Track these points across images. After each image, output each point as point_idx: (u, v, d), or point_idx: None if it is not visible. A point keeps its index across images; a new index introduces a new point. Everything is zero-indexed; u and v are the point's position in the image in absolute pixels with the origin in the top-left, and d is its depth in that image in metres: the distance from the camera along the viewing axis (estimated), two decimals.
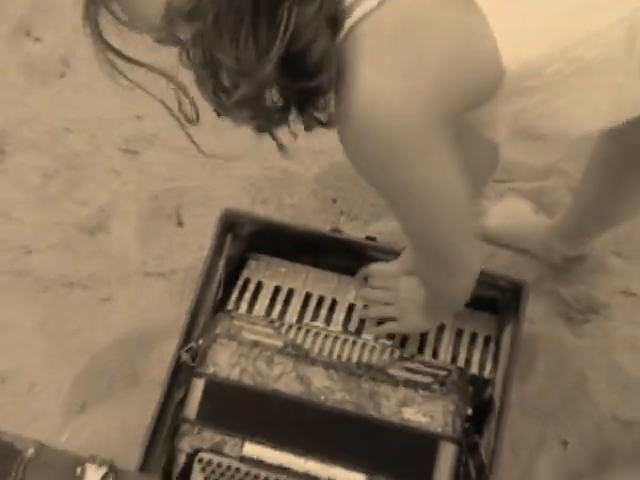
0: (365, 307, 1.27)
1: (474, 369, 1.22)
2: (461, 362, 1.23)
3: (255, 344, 1.14)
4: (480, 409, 1.14)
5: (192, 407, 1.11)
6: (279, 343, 1.15)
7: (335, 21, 0.69)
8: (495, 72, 0.73)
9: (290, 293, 1.29)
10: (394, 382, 1.11)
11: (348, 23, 0.69)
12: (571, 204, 1.41)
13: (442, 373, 1.13)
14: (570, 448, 1.37)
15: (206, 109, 1.78)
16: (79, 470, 0.91)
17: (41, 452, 0.93)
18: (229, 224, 1.28)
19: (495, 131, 0.86)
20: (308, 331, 1.19)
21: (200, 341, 1.16)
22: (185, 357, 1.16)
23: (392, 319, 1.24)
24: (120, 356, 1.46)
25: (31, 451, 0.92)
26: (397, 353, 1.18)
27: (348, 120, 0.71)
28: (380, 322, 1.25)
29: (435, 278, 1.00)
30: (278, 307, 1.28)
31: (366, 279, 1.29)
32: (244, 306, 1.28)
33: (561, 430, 1.38)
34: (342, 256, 1.29)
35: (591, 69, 0.76)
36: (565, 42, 0.73)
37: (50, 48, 1.85)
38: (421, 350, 1.24)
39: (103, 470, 0.92)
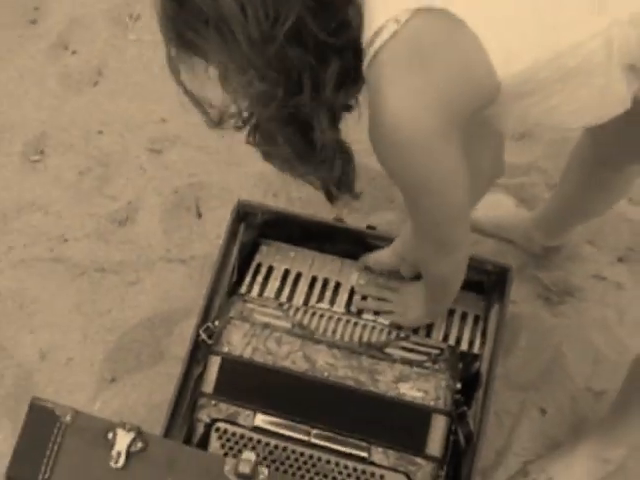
0: (364, 299, 1.23)
1: (464, 345, 1.18)
2: (452, 339, 1.19)
3: (266, 325, 1.12)
4: (468, 382, 1.12)
5: (209, 382, 1.09)
6: (287, 324, 1.13)
7: (359, 54, 0.76)
8: (492, 83, 0.75)
9: (298, 276, 1.26)
10: (391, 360, 1.09)
11: (370, 53, 0.74)
12: (551, 199, 1.39)
13: (435, 352, 1.11)
14: (548, 416, 1.35)
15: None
16: (110, 435, 0.90)
17: (77, 418, 0.91)
18: (243, 213, 1.25)
19: (503, 126, 0.89)
20: (314, 313, 1.17)
21: (216, 322, 1.14)
22: (203, 336, 1.13)
23: (390, 312, 1.20)
24: (146, 334, 1.45)
25: (68, 417, 0.91)
26: (394, 333, 1.15)
27: (373, 128, 0.77)
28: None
29: (431, 257, 0.99)
30: (287, 289, 1.25)
31: (366, 268, 1.25)
32: (256, 288, 1.24)
33: (540, 400, 1.36)
34: (345, 243, 1.26)
35: (575, 74, 0.76)
36: (549, 54, 0.75)
37: (85, 60, 1.82)
38: (416, 328, 1.20)
39: (132, 435, 0.90)
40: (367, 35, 0.74)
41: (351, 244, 1.25)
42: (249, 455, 0.89)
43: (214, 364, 1.09)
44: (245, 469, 0.88)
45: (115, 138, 1.70)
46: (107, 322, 1.47)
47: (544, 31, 0.74)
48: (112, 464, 0.89)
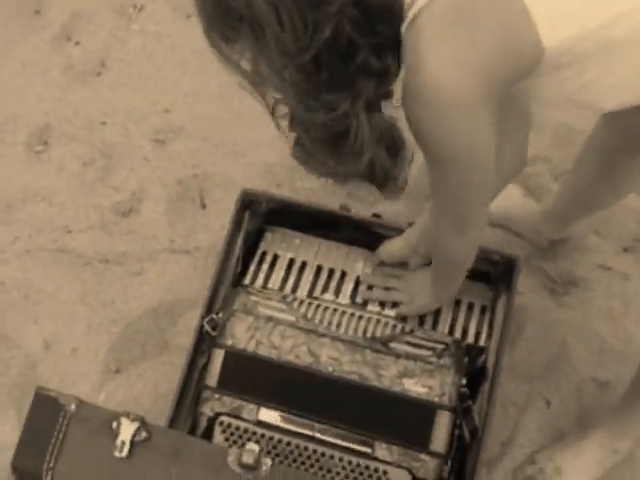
0: (369, 288, 1.22)
1: (470, 336, 1.16)
2: (459, 330, 1.17)
3: (269, 319, 1.11)
4: (474, 375, 1.10)
5: (213, 375, 1.08)
6: (291, 318, 1.11)
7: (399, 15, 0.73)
8: (535, 50, 0.74)
9: (303, 265, 1.24)
10: (396, 355, 1.08)
11: (410, 16, 0.72)
12: (560, 192, 1.37)
13: (440, 346, 1.09)
14: (553, 407, 1.33)
15: (229, 107, 1.73)
16: (115, 424, 0.89)
17: (81, 408, 0.91)
18: (247, 202, 1.24)
19: (536, 99, 0.89)
20: (318, 306, 1.15)
21: (220, 314, 1.12)
22: (207, 327, 1.12)
23: (396, 302, 1.18)
24: (151, 325, 1.43)
25: (73, 407, 0.90)
26: (399, 327, 1.14)
27: (412, 92, 0.75)
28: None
29: (448, 235, 0.97)
30: (292, 279, 1.23)
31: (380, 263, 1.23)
32: (261, 277, 1.22)
33: (545, 390, 1.35)
34: (350, 231, 1.24)
35: (616, 47, 0.75)
36: (594, 23, 0.73)
37: (88, 51, 1.80)
38: (422, 318, 1.19)
39: (136, 425, 0.89)
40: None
41: (357, 232, 1.23)
42: (253, 446, 0.88)
43: (218, 357, 1.08)
44: (249, 460, 0.87)
45: (119, 129, 1.68)
46: (111, 313, 1.45)
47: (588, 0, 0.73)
48: (116, 453, 0.88)
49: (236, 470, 0.87)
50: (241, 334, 1.09)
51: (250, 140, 1.63)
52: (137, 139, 1.66)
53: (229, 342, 1.08)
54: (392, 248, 1.21)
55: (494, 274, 1.20)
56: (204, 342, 1.13)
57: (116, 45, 1.80)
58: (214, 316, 1.12)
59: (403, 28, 0.74)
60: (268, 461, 0.88)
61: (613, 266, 1.47)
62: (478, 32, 0.72)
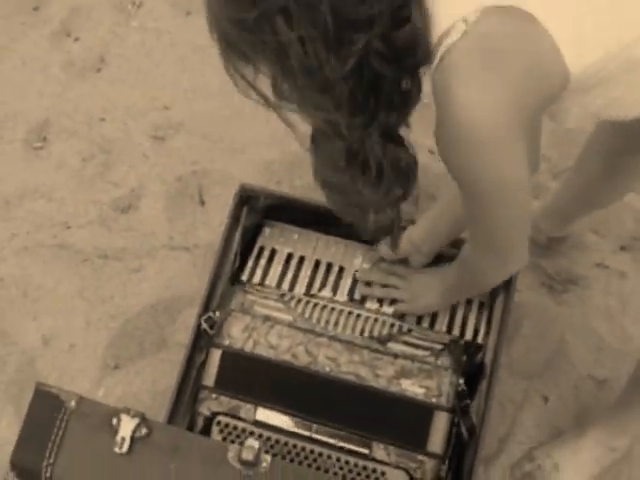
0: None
1: (469, 334, 1.15)
2: (457, 327, 1.16)
3: (267, 318, 1.10)
4: (472, 373, 1.09)
5: (210, 375, 1.07)
6: (289, 317, 1.11)
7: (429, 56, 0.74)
8: (562, 78, 0.74)
9: (301, 260, 1.22)
10: (393, 355, 1.07)
11: (439, 54, 0.72)
12: (560, 190, 1.36)
13: (438, 346, 1.09)
14: (550, 404, 1.33)
15: (229, 104, 1.71)
16: (115, 420, 0.88)
17: (81, 404, 0.90)
18: (245, 197, 1.22)
19: (563, 121, 0.88)
20: (315, 305, 1.14)
21: (217, 312, 1.12)
22: (205, 326, 1.11)
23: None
24: (149, 321, 1.43)
25: (73, 403, 0.89)
26: (397, 326, 1.13)
27: (446, 129, 0.75)
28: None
29: (483, 267, 0.97)
30: (290, 274, 1.21)
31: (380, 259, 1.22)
32: (259, 273, 1.21)
33: (543, 388, 1.35)
34: (350, 227, 1.23)
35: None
36: (617, 46, 0.74)
37: (88, 47, 1.79)
38: (420, 316, 1.17)
39: (136, 421, 0.88)
40: (433, 37, 0.73)
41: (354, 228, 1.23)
42: (252, 442, 0.87)
43: (215, 357, 1.07)
44: (248, 456, 0.86)
45: (118, 125, 1.67)
46: (110, 309, 1.44)
47: (614, 22, 0.74)
48: (116, 449, 0.87)
49: (236, 466, 0.86)
50: (238, 334, 1.08)
51: (249, 137, 1.62)
52: (136, 135, 1.65)
53: (226, 342, 1.08)
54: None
55: None
56: (202, 339, 1.12)
57: (115, 41, 1.80)
58: (211, 314, 1.11)
59: (432, 67, 0.74)
60: (268, 457, 0.87)
61: (611, 264, 1.46)
62: (508, 68, 0.72)
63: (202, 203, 1.56)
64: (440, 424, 1.02)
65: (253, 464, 0.86)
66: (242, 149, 1.61)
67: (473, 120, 0.72)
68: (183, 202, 1.56)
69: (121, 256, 1.50)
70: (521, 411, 1.32)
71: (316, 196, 1.51)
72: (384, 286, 1.18)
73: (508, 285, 1.15)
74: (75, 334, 1.42)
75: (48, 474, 0.88)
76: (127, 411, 0.88)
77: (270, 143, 1.61)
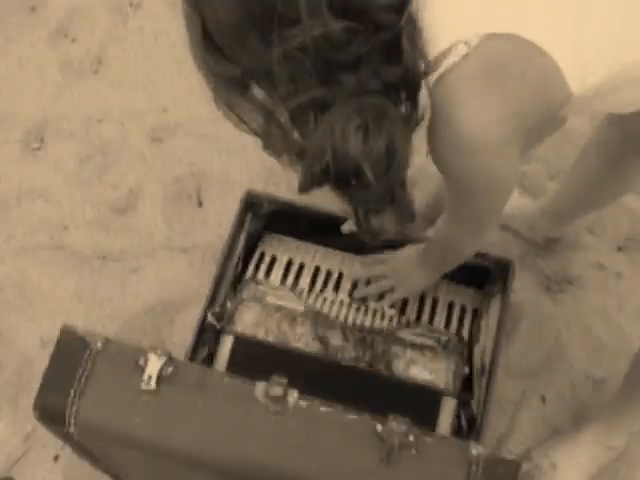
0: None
1: (465, 337, 1.16)
2: (453, 330, 1.17)
3: (278, 308, 1.12)
4: (472, 370, 1.11)
5: (222, 361, 1.08)
6: (300, 307, 1.13)
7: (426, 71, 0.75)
8: (564, 97, 0.76)
9: (301, 267, 1.24)
10: (403, 344, 1.09)
11: (438, 72, 0.73)
12: (558, 190, 1.37)
13: (444, 337, 1.12)
14: (548, 404, 1.34)
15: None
16: (142, 359, 0.86)
17: (108, 345, 0.87)
18: (250, 203, 1.24)
19: (561, 123, 0.95)
20: (325, 299, 1.17)
21: (227, 304, 1.13)
22: (211, 319, 1.11)
23: (391, 290, 1.18)
24: (147, 322, 1.42)
25: (99, 344, 0.87)
26: (404, 319, 1.15)
27: (447, 144, 0.77)
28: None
29: (461, 236, 1.00)
30: (290, 278, 1.23)
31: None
32: (260, 277, 1.22)
33: (540, 388, 1.35)
34: (351, 237, 1.24)
35: None
36: (619, 65, 0.76)
37: (85, 48, 1.79)
38: (418, 321, 1.18)
39: (163, 359, 0.86)
40: (431, 55, 0.73)
41: (357, 238, 1.23)
42: (279, 379, 0.86)
43: (227, 343, 1.08)
44: (276, 392, 0.84)
45: (116, 126, 1.67)
46: (108, 310, 1.44)
47: (615, 45, 0.75)
48: (143, 387, 0.85)
49: (263, 402, 0.85)
50: (250, 322, 1.10)
51: (247, 138, 1.60)
52: (134, 137, 1.65)
53: (238, 329, 1.09)
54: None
55: (489, 276, 1.20)
56: (205, 334, 1.12)
57: (113, 43, 1.80)
58: (218, 308, 1.12)
59: (430, 82, 0.75)
60: (295, 393, 0.86)
61: (607, 265, 1.47)
62: (510, 88, 0.74)
63: (200, 204, 1.56)
64: (447, 409, 1.05)
65: (280, 399, 0.85)
66: (240, 150, 1.61)
67: (475, 135, 0.74)
68: (181, 203, 1.56)
69: (119, 257, 1.50)
70: (519, 411, 1.32)
71: (314, 200, 1.52)
72: (375, 281, 1.19)
73: (504, 288, 1.16)
74: None
75: (72, 413, 0.85)
76: (154, 350, 0.86)
77: None
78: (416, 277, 1.15)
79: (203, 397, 0.85)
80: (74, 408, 0.85)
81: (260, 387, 0.85)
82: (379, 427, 0.84)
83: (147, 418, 0.85)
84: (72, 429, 0.85)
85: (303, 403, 0.85)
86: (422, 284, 1.18)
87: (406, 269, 1.16)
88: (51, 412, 0.87)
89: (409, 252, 1.16)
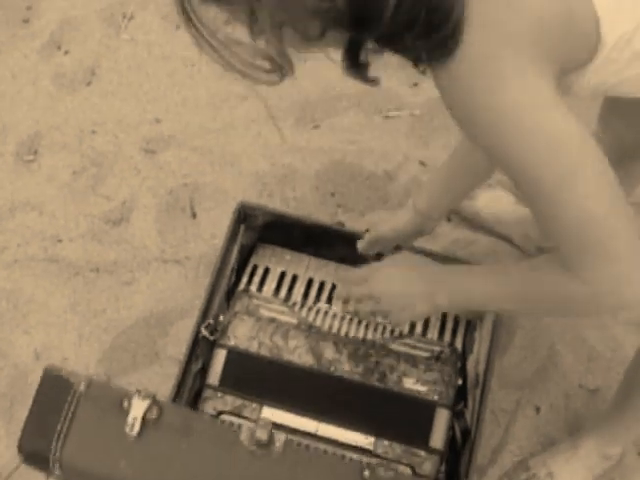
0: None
1: (459, 348, 1.16)
2: (447, 336, 1.18)
3: (272, 320, 1.12)
4: (465, 382, 1.11)
5: (215, 374, 1.09)
6: (293, 320, 1.13)
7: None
8: (594, 41, 0.72)
9: (294, 278, 1.25)
10: (396, 356, 1.10)
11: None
12: None
13: (437, 349, 1.12)
14: (542, 414, 1.34)
15: (219, 117, 1.72)
16: (126, 402, 0.87)
17: (92, 387, 0.88)
18: (243, 215, 1.24)
19: (576, 95, 0.80)
20: (318, 311, 1.17)
21: (220, 317, 1.13)
22: (205, 332, 1.12)
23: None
24: (141, 334, 1.42)
25: (82, 386, 0.88)
26: (397, 331, 1.15)
27: (459, 67, 0.67)
28: None
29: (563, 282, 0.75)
30: (284, 290, 1.23)
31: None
32: (253, 289, 1.23)
33: (535, 398, 1.35)
34: (344, 247, 1.25)
35: None
36: None
37: (78, 60, 1.80)
38: (411, 332, 1.18)
39: (147, 402, 0.87)
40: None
41: (350, 249, 1.23)
42: (265, 421, 0.86)
43: (220, 357, 1.08)
44: (262, 435, 0.85)
45: (109, 138, 1.67)
46: (102, 322, 1.44)
47: None
48: (127, 431, 0.86)
49: (248, 446, 0.85)
50: (243, 335, 1.10)
51: (240, 149, 1.63)
52: (127, 148, 1.66)
53: (231, 342, 1.10)
54: (399, 224, 1.15)
55: None
56: (199, 347, 1.12)
57: (106, 54, 1.80)
58: (211, 321, 1.12)
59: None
60: (282, 437, 0.86)
61: None
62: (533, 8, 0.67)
63: (194, 216, 1.56)
64: (441, 420, 1.05)
65: (266, 444, 0.85)
66: (233, 162, 1.61)
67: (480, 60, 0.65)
68: (174, 215, 1.56)
69: (113, 269, 1.50)
70: (513, 421, 1.32)
71: (307, 208, 1.53)
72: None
73: None
74: (67, 348, 1.42)
75: (57, 456, 0.85)
76: (138, 393, 0.87)
77: (262, 155, 1.61)
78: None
79: (188, 441, 0.86)
80: (57, 454, 0.85)
81: (245, 432, 0.86)
82: (366, 473, 0.84)
83: (132, 462, 0.85)
84: (57, 472, 0.86)
85: (289, 448, 0.85)
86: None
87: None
88: (35, 456, 0.87)
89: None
